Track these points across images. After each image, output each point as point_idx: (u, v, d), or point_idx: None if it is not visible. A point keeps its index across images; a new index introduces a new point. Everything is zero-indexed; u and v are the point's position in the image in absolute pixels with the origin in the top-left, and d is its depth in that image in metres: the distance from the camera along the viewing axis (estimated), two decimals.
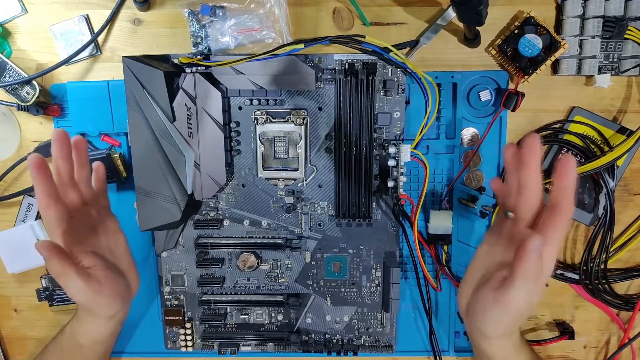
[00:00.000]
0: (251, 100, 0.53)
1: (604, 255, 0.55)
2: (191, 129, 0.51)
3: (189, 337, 0.59)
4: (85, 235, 0.46)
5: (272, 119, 0.54)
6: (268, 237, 0.57)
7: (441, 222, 0.55)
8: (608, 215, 0.54)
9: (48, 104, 0.55)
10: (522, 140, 0.40)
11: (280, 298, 0.58)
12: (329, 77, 0.53)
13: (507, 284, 0.39)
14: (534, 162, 0.39)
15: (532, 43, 0.50)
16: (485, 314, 0.42)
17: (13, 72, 0.53)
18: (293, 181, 0.56)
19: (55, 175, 0.44)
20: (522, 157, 0.40)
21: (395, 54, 0.51)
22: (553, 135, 0.55)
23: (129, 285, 0.50)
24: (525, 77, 0.52)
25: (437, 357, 0.58)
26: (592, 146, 0.54)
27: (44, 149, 0.55)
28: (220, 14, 0.51)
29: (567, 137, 0.54)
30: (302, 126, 0.53)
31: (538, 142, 0.39)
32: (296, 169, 0.55)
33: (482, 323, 0.43)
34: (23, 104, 0.53)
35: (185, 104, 0.50)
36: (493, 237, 0.45)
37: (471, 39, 0.52)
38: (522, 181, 0.40)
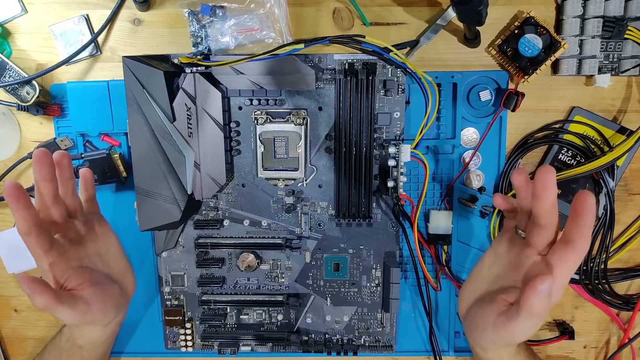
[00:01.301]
0: (251, 100, 0.53)
1: (604, 255, 0.55)
2: (191, 129, 0.51)
3: (189, 337, 0.59)
4: (70, 249, 0.45)
5: (272, 119, 0.54)
6: (268, 237, 0.57)
7: (441, 222, 0.55)
8: (608, 215, 0.54)
9: (48, 104, 0.55)
10: (536, 173, 0.37)
11: (280, 298, 0.58)
12: (329, 77, 0.53)
13: (510, 314, 0.38)
14: (550, 197, 0.36)
15: (532, 43, 0.50)
16: (484, 332, 0.41)
17: (13, 72, 0.53)
18: (293, 181, 0.56)
19: (37, 198, 0.43)
20: (536, 192, 0.37)
21: (395, 54, 0.51)
22: (553, 135, 0.55)
23: (124, 288, 0.49)
24: (525, 77, 0.52)
25: (437, 357, 0.58)
26: (592, 146, 0.54)
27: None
28: (220, 14, 0.51)
29: (567, 137, 0.54)
30: (302, 126, 0.53)
31: (553, 175, 0.36)
32: (296, 169, 0.55)
33: (479, 338, 0.43)
34: (23, 104, 0.53)
35: (185, 104, 0.50)
36: (501, 247, 0.43)
37: (471, 39, 0.52)
38: (535, 212, 0.38)
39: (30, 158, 0.55)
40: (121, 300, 0.49)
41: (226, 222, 0.57)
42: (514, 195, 0.53)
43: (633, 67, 0.53)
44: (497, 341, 0.41)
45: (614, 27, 0.51)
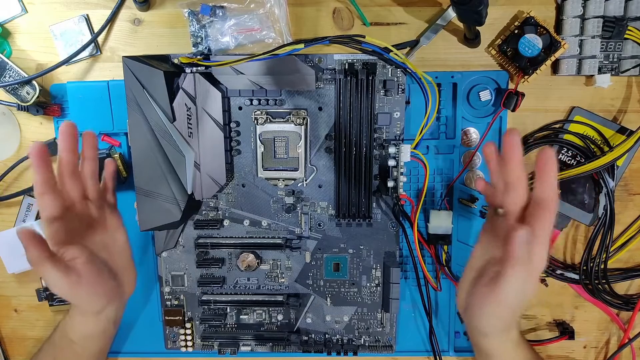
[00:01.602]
0: (251, 100, 0.53)
1: (604, 255, 0.55)
2: (191, 129, 0.51)
3: (189, 337, 0.59)
4: (78, 228, 0.46)
5: (272, 119, 0.54)
6: (268, 237, 0.57)
7: (441, 222, 0.55)
8: (608, 215, 0.54)
9: (48, 104, 0.55)
10: (503, 137, 0.40)
11: (280, 298, 0.58)
12: (329, 77, 0.53)
13: (498, 276, 0.40)
14: (516, 158, 0.40)
15: (532, 43, 0.50)
16: (481, 310, 0.42)
17: (13, 72, 0.53)
18: (293, 181, 0.56)
19: (57, 166, 0.45)
20: (504, 154, 0.40)
21: (395, 54, 0.51)
22: (553, 135, 0.55)
23: (123, 285, 0.49)
24: (525, 77, 0.52)
25: (437, 357, 0.58)
26: (592, 146, 0.54)
27: None
28: (220, 14, 0.51)
29: (567, 137, 0.54)
30: (302, 126, 0.53)
31: (518, 136, 0.40)
32: (296, 169, 0.55)
33: (479, 320, 0.43)
34: (23, 104, 0.53)
35: (185, 104, 0.50)
36: (487, 235, 0.45)
37: (471, 39, 0.52)
38: (506, 178, 0.41)
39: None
40: (115, 292, 0.48)
41: (226, 222, 0.57)
42: None
43: (633, 67, 0.53)
44: (495, 312, 0.42)
45: (614, 27, 0.51)
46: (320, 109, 0.54)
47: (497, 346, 0.45)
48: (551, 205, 0.39)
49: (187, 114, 0.50)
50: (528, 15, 0.51)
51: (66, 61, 0.53)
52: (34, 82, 0.53)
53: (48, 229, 0.44)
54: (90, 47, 0.54)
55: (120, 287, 0.49)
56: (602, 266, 0.55)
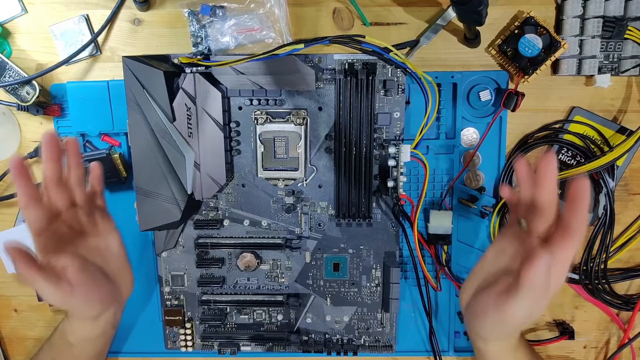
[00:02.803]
0: (251, 100, 0.53)
1: (604, 255, 0.55)
2: (191, 129, 0.51)
3: (189, 337, 0.59)
4: (68, 236, 0.45)
5: (272, 119, 0.54)
6: (268, 237, 0.57)
7: (441, 222, 0.55)
8: (608, 215, 0.54)
9: (48, 104, 0.55)
10: (538, 160, 0.38)
11: (280, 298, 0.58)
12: (329, 77, 0.53)
13: (510, 291, 0.38)
14: (550, 181, 0.38)
15: (532, 43, 0.50)
16: (485, 317, 0.42)
17: (13, 72, 0.53)
18: (293, 181, 0.56)
19: (42, 177, 0.44)
20: (538, 178, 0.39)
21: (395, 54, 0.51)
22: (553, 135, 0.55)
23: (119, 288, 0.49)
24: (525, 77, 0.52)
25: (437, 357, 0.58)
26: (592, 146, 0.54)
27: None
28: (220, 14, 0.51)
29: (567, 137, 0.54)
30: (302, 126, 0.53)
31: (554, 162, 0.38)
32: (296, 169, 0.55)
33: (480, 325, 0.43)
34: (23, 104, 0.53)
35: (185, 104, 0.50)
36: (504, 241, 0.44)
37: (471, 39, 0.52)
38: (537, 198, 0.39)
39: (31, 158, 0.55)
40: (111, 296, 0.48)
41: (226, 222, 0.57)
42: None
43: (633, 67, 0.53)
44: (498, 324, 0.41)
45: (614, 27, 0.51)
46: (320, 109, 0.54)
47: (495, 350, 0.45)
48: (579, 234, 0.37)
49: (187, 114, 0.50)
50: (528, 15, 0.51)
51: (66, 61, 0.53)
52: (34, 82, 0.53)
53: (36, 240, 0.43)
54: (90, 47, 0.54)
55: (117, 290, 0.49)
56: (602, 266, 0.55)
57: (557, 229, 0.39)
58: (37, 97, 0.53)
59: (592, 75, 0.53)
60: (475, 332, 0.45)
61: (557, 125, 0.55)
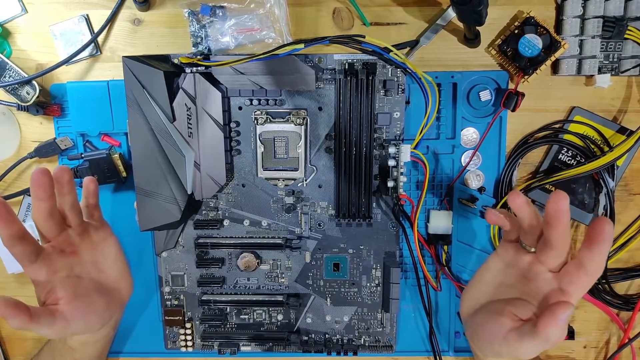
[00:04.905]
0: (251, 100, 0.53)
1: None
2: (191, 129, 0.51)
3: (189, 337, 0.59)
4: (60, 259, 0.44)
5: (272, 119, 0.54)
6: (268, 237, 0.57)
7: (441, 222, 0.55)
8: (608, 215, 0.54)
9: (48, 104, 0.55)
10: (549, 200, 0.36)
11: (280, 298, 0.58)
12: (329, 77, 0.53)
13: (524, 334, 0.37)
14: (564, 224, 0.36)
15: (532, 43, 0.50)
16: (490, 345, 0.41)
17: (13, 72, 0.53)
18: (293, 181, 0.56)
19: (32, 214, 0.43)
20: (549, 219, 0.36)
21: (395, 54, 0.51)
22: (553, 135, 0.55)
23: (119, 294, 0.49)
24: (525, 77, 0.52)
25: (437, 357, 0.58)
26: (592, 146, 0.54)
27: (43, 150, 0.55)
28: (220, 14, 0.51)
29: (567, 137, 0.54)
30: (302, 126, 0.53)
31: (566, 202, 0.35)
32: (296, 169, 0.55)
33: (484, 347, 0.42)
34: (23, 104, 0.53)
35: (185, 104, 0.50)
36: (508, 254, 0.42)
37: (471, 39, 0.52)
38: (548, 237, 0.37)
39: (31, 158, 0.55)
40: (109, 310, 0.47)
41: (226, 222, 0.57)
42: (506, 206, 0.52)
43: (633, 67, 0.53)
44: (503, 354, 0.40)
45: (614, 27, 0.51)
46: (320, 109, 0.54)
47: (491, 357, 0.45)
48: (596, 273, 0.36)
49: (187, 114, 0.50)
50: (528, 15, 0.51)
51: (66, 61, 0.53)
52: (34, 82, 0.53)
53: (29, 274, 0.42)
54: (90, 47, 0.54)
55: (116, 298, 0.49)
56: None
57: (571, 267, 0.37)
58: (37, 97, 0.53)
59: (592, 75, 0.53)
60: (477, 347, 0.44)
61: (557, 125, 0.55)
